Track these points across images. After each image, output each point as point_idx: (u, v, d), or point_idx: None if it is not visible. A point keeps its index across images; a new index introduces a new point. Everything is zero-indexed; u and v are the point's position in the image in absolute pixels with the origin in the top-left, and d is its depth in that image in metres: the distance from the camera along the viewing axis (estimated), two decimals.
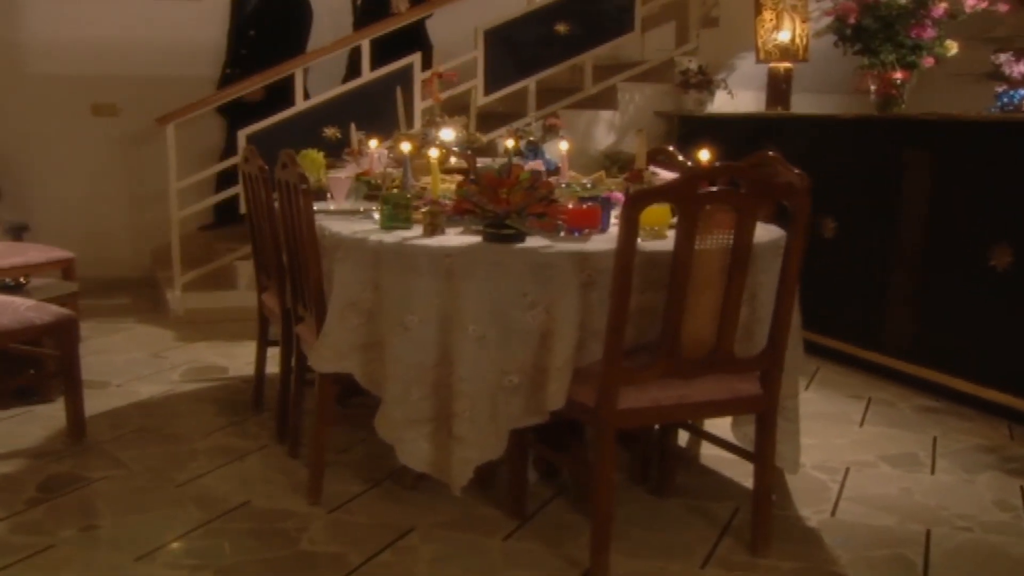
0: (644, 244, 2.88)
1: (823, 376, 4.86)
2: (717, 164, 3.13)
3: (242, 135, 6.03)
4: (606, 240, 2.92)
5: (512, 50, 6.51)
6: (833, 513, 3.27)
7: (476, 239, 2.94)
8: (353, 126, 4.58)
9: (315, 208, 3.67)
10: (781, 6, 5.60)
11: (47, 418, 4.00)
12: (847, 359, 5.00)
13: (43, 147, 6.54)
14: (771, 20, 5.67)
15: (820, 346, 5.17)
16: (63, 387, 3.81)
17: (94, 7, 6.69)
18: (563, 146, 4.17)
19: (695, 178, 2.56)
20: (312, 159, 4.08)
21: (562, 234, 3.03)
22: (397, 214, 3.19)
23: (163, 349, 5.19)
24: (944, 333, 4.47)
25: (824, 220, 5.10)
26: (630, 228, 2.54)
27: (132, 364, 4.88)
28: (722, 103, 6.40)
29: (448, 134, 4.39)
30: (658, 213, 3.04)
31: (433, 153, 3.31)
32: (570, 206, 3.08)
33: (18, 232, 6.49)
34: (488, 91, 6.48)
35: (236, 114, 6.32)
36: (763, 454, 2.92)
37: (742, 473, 3.37)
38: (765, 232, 3.10)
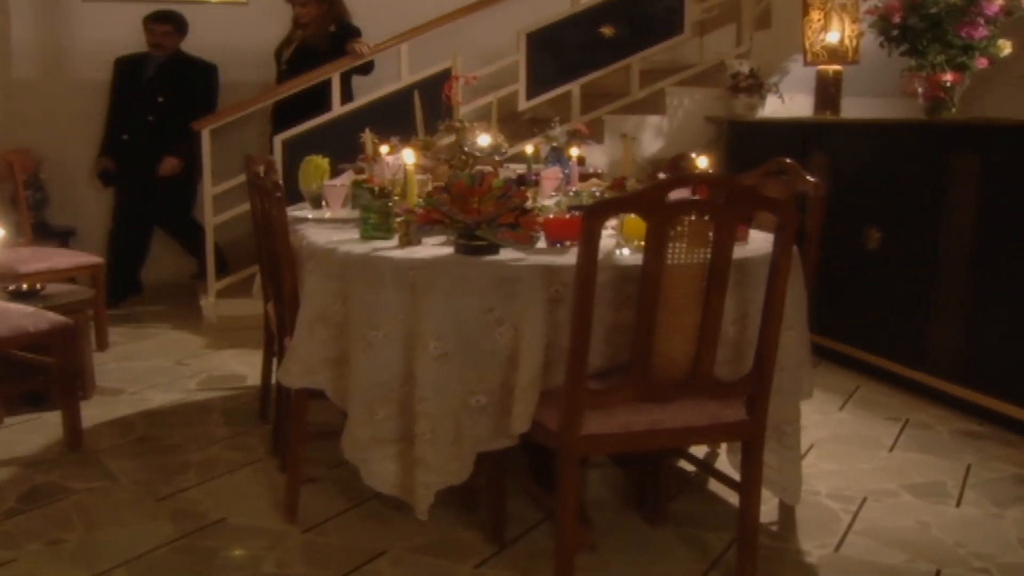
0: (619, 258, 2.72)
1: (862, 395, 4.60)
2: (692, 172, 2.93)
3: (278, 140, 5.99)
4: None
5: (555, 53, 6.35)
6: (838, 548, 3.04)
7: (449, 251, 2.80)
8: (368, 131, 4.46)
9: (310, 216, 3.60)
10: (829, 6, 5.34)
11: (52, 425, 3.95)
12: (890, 377, 4.73)
13: (90, 152, 6.57)
14: (819, 20, 5.42)
15: (862, 363, 4.91)
16: (61, 395, 3.77)
17: (142, 13, 6.71)
18: (573, 152, 4.00)
19: (662, 186, 2.38)
20: (316, 165, 3.99)
21: (542, 245, 2.87)
22: (379, 223, 3.06)
23: (188, 356, 5.15)
24: (991, 352, 4.17)
25: (868, 230, 4.83)
26: (589, 241, 2.36)
27: (152, 371, 4.84)
28: (775, 108, 6.15)
29: (485, 140, 4.27)
30: (643, 224, 2.86)
31: (409, 159, 3.17)
32: (551, 216, 2.92)
33: (64, 237, 6.56)
34: (530, 95, 6.35)
35: (282, 121, 6.27)
36: (749, 485, 2.71)
37: None
38: (763, 245, 2.90)
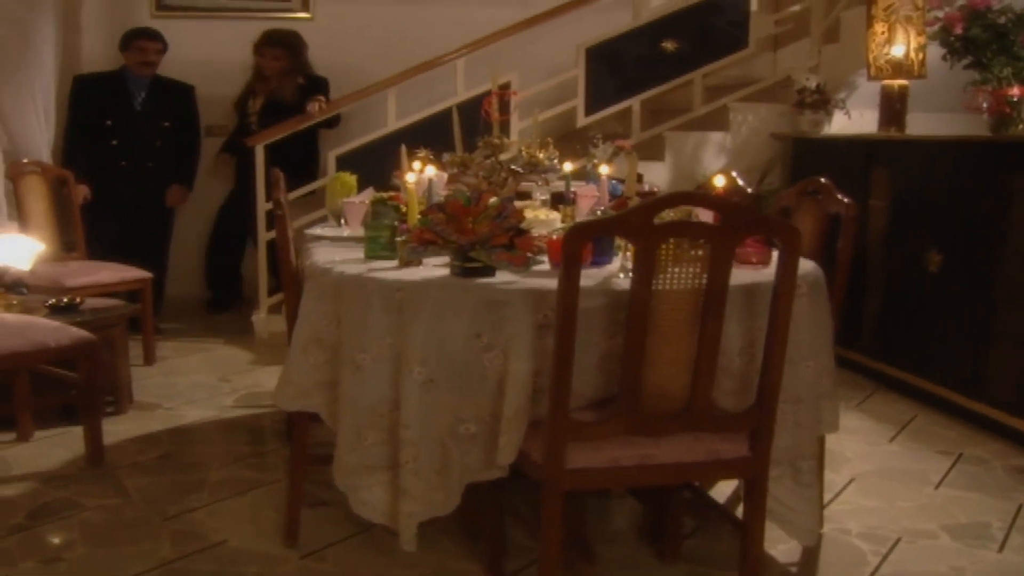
0: (615, 283, 2.58)
1: (917, 426, 4.36)
2: (687, 191, 2.78)
3: (332, 155, 5.98)
4: (584, 277, 2.62)
5: (615, 68, 6.22)
6: None
7: (445, 272, 2.70)
8: (403, 147, 4.40)
9: (327, 234, 3.54)
10: (894, 18, 5.10)
11: (81, 440, 3.94)
12: (948, 407, 4.48)
13: None
14: (883, 33, 5.18)
15: (921, 391, 4.67)
16: (84, 410, 3.77)
17: (217, 31, 6.77)
18: (603, 170, 3.87)
19: (650, 207, 2.24)
20: (344, 182, 3.93)
21: (544, 267, 2.75)
22: (387, 243, 2.98)
23: (232, 373, 5.14)
24: None
25: (929, 253, 4.59)
26: (569, 266, 2.24)
27: (193, 387, 4.84)
28: (843, 124, 5.92)
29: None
30: None
31: (411, 178, 3.08)
32: (554, 237, 2.80)
33: None
34: (589, 111, 6.22)
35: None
36: (751, 527, 2.55)
37: (774, 537, 2.98)
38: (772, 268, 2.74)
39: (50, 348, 3.60)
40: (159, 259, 6.06)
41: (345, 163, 5.94)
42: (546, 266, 2.78)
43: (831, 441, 4.08)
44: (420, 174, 4.22)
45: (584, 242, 2.26)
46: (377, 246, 3.00)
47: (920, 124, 5.33)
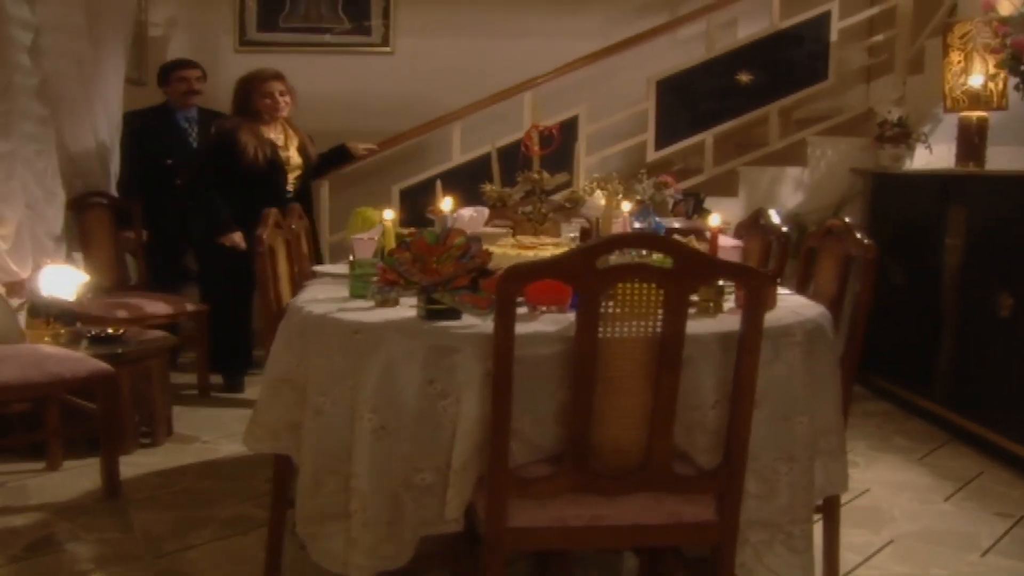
0: (572, 329, 2.42)
1: (981, 484, 4.04)
2: (623, 233, 2.60)
3: (395, 188, 5.95)
4: (550, 322, 2.47)
5: (687, 101, 6.04)
6: None
7: (410, 314, 2.59)
8: (439, 183, 4.32)
9: (334, 271, 3.48)
10: (971, 46, 4.80)
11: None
12: (1019, 464, 4.14)
13: None
14: (959, 63, 4.88)
15: (992, 445, 4.34)
16: (102, 442, 3.78)
17: (301, 65, 6.85)
18: (626, 207, 3.71)
19: (592, 250, 2.09)
20: (364, 217, 3.87)
21: (523, 310, 2.60)
22: (367, 281, 2.89)
23: None
24: None
25: (1000, 296, 4.27)
26: (503, 310, 2.11)
27: (237, 420, 4.80)
28: (927, 158, 5.60)
29: (598, 196, 4.10)
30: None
31: (388, 215, 2.97)
32: None
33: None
34: (660, 145, 6.05)
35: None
36: None
37: None
38: (783, 314, 2.56)
39: (65, 379, 3.62)
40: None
41: (408, 196, 5.92)
42: (524, 308, 2.64)
43: (876, 499, 3.84)
44: (438, 211, 4.15)
45: (518, 286, 2.11)
46: (360, 285, 2.91)
47: (1002, 158, 4.99)
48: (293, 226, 3.60)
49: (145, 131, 5.79)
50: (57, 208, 4.89)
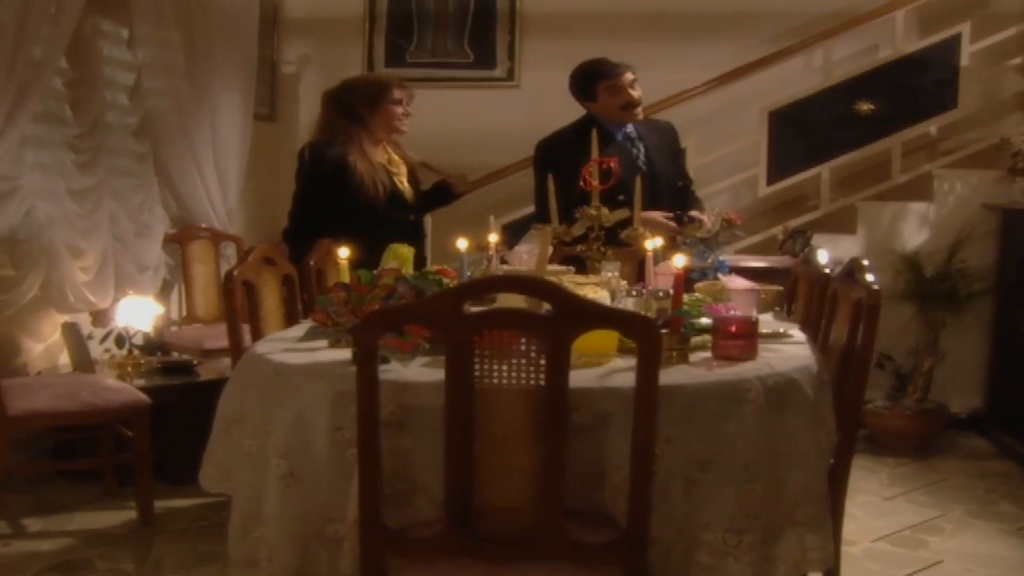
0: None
1: None
2: (492, 276, 2.40)
3: (495, 222, 5.85)
4: None
5: (802, 133, 5.70)
6: None
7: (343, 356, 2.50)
8: (492, 218, 4.21)
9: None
10: None
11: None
12: None
13: None
14: None
15: None
16: (136, 472, 3.85)
17: (424, 97, 6.90)
18: (648, 245, 3.47)
19: (457, 294, 1.94)
20: (396, 254, 3.79)
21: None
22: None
23: None
24: None
25: None
26: (366, 357, 1.98)
27: None
28: None
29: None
30: (597, 338, 2.37)
31: (343, 253, 2.88)
32: None
33: None
34: (772, 179, 5.73)
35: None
36: None
37: None
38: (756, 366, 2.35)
39: (98, 409, 3.72)
40: None
41: (511, 231, 5.81)
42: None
43: (944, 573, 3.45)
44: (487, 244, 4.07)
45: (378, 333, 1.99)
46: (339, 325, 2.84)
47: None
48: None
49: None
50: (151, 240, 5.07)
